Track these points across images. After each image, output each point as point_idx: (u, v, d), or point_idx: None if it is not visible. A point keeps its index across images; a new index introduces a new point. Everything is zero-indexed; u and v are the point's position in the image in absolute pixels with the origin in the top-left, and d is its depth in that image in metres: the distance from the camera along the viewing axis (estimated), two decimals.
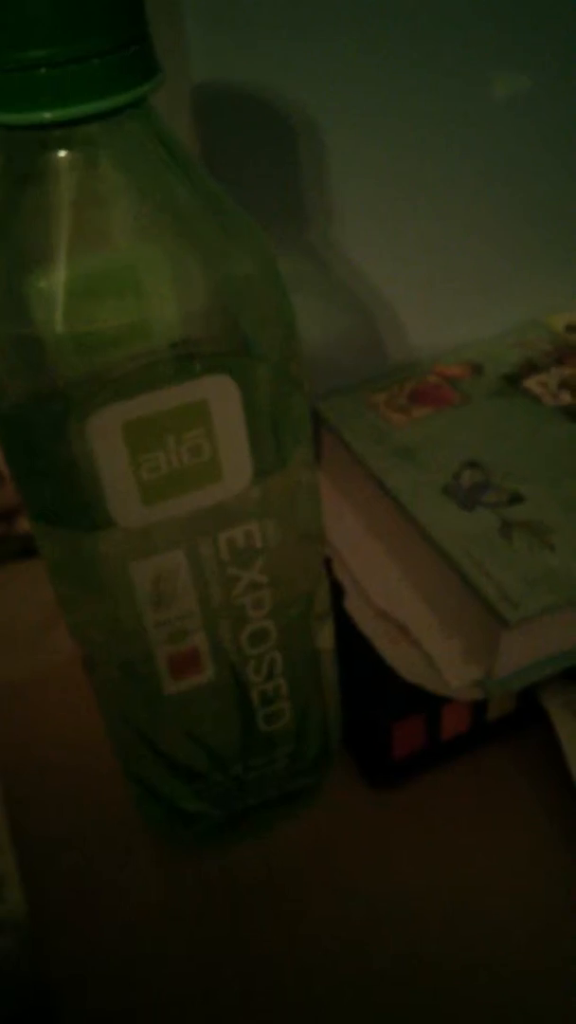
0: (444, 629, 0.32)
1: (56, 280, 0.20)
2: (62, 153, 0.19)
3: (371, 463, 0.35)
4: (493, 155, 0.37)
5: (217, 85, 0.33)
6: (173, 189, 0.21)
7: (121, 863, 0.33)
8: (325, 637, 0.30)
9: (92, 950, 0.30)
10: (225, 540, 0.24)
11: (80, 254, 0.19)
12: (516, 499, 0.32)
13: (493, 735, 0.35)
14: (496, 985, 0.28)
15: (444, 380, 0.39)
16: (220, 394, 0.22)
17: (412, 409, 0.37)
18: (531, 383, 0.38)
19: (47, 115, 0.18)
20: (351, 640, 0.33)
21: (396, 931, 0.30)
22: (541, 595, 0.29)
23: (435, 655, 0.31)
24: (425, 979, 0.29)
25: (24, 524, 0.43)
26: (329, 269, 0.37)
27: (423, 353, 0.40)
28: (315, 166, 0.35)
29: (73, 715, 0.38)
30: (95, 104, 0.19)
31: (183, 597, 0.25)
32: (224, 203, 0.22)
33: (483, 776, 0.34)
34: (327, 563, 0.36)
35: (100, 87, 0.18)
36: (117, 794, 0.35)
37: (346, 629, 0.34)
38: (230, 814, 0.31)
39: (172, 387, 0.21)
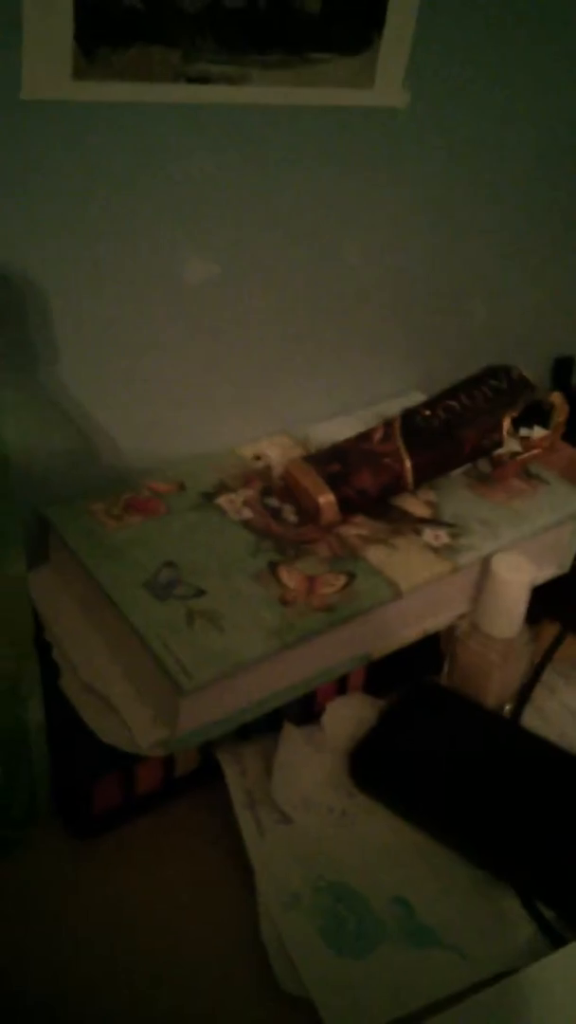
0: (139, 699, 0.39)
1: None
2: None
3: (86, 560, 0.42)
4: (195, 314, 0.47)
5: None
6: None
7: None
8: (33, 710, 0.36)
9: None
10: None
11: None
12: (200, 593, 0.41)
13: (182, 789, 0.42)
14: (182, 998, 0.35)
15: (154, 494, 0.47)
16: None
17: (125, 516, 0.45)
18: (222, 500, 0.47)
19: None
20: (63, 712, 0.39)
21: (96, 958, 0.36)
22: (210, 668, 0.37)
23: (130, 721, 0.38)
24: (126, 998, 0.35)
25: None
26: (56, 403, 0.45)
27: (137, 467, 0.48)
28: (42, 317, 0.42)
29: None
30: None
31: None
32: None
33: (173, 823, 0.41)
34: (48, 647, 0.42)
35: None
36: None
37: (59, 702, 0.40)
38: None
39: None
